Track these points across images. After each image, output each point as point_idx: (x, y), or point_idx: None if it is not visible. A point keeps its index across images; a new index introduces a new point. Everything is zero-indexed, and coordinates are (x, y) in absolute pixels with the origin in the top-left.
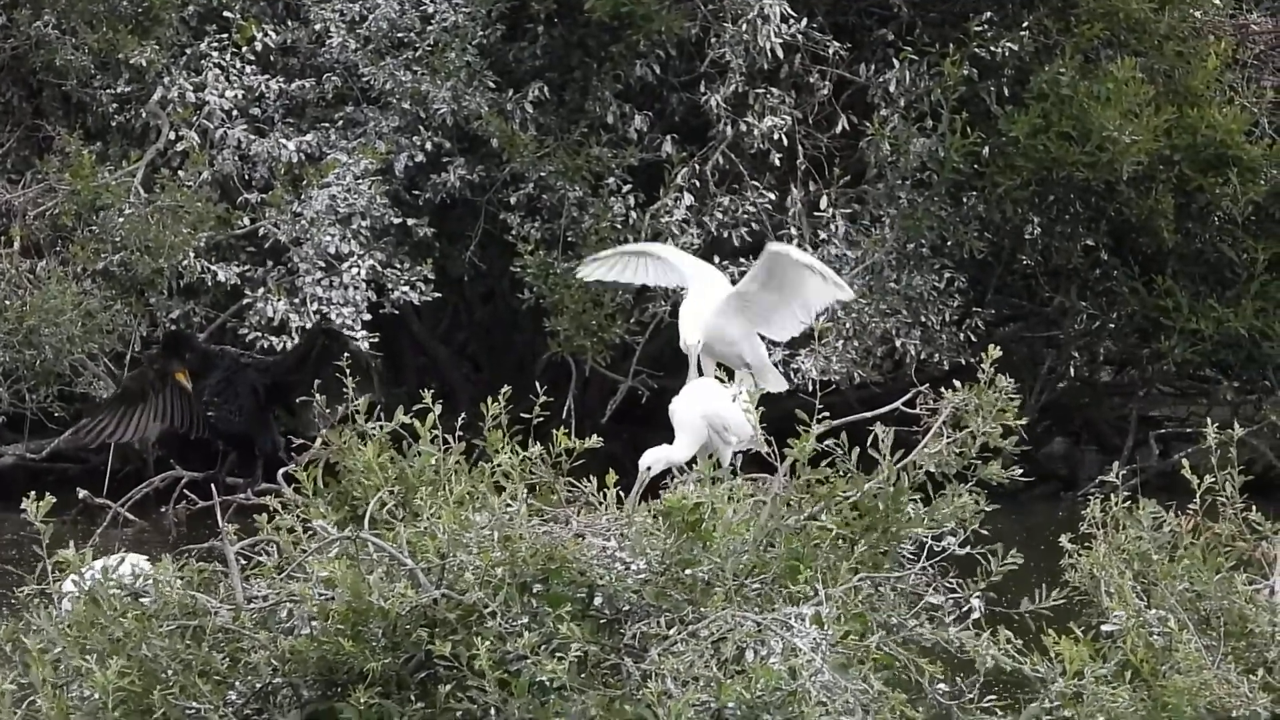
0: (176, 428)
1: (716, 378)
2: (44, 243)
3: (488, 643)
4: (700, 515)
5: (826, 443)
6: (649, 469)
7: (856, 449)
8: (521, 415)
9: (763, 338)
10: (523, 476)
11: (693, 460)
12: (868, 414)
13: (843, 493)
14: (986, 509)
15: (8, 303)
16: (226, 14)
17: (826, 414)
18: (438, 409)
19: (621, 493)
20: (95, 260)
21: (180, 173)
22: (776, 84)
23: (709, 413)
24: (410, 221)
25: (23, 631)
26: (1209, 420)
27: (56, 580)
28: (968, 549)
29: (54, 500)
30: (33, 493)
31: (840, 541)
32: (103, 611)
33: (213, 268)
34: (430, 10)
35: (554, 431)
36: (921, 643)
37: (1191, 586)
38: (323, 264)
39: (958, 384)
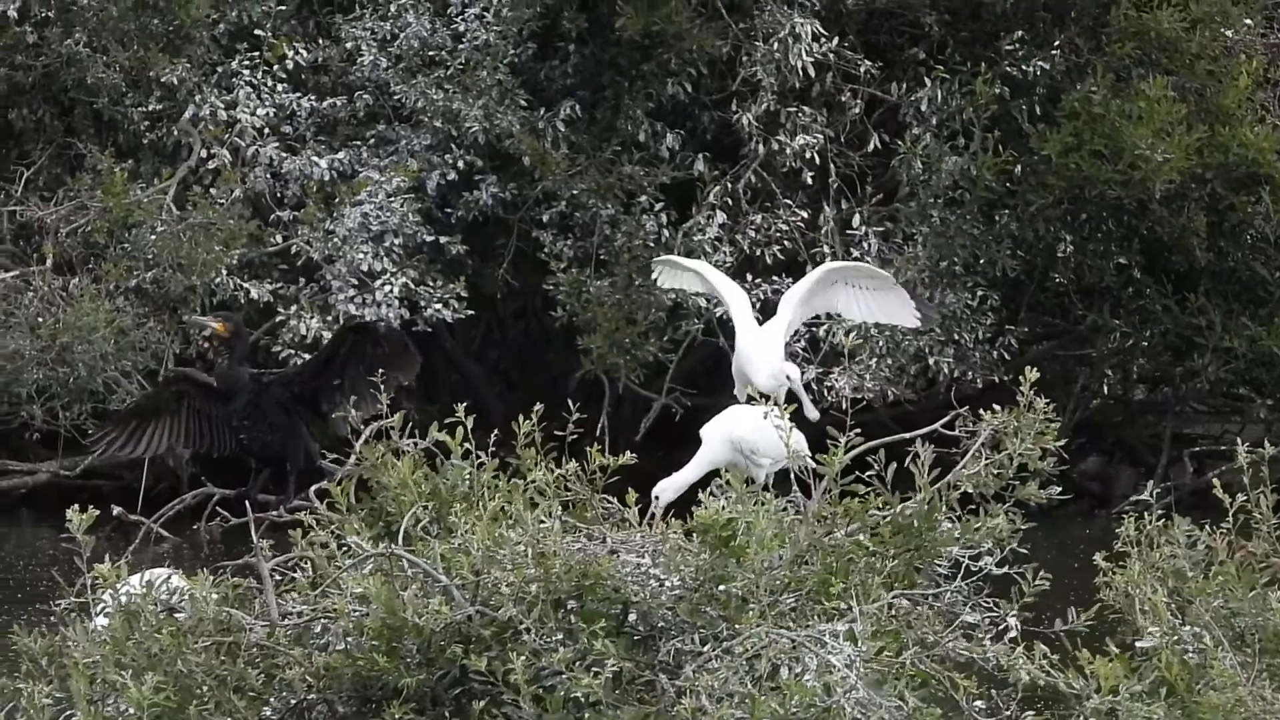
0: (194, 447)
1: (750, 398)
2: (76, 260)
3: (522, 659)
4: (734, 531)
5: (862, 461)
6: (658, 498)
7: (892, 466)
8: (555, 433)
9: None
10: (557, 493)
11: (714, 477)
12: (906, 434)
13: (878, 510)
14: (1022, 528)
15: (41, 320)
16: (258, 32)
17: (859, 431)
18: (469, 423)
19: (640, 510)
20: (128, 278)
21: (212, 190)
22: (808, 102)
23: (735, 437)
24: (443, 239)
25: (60, 646)
26: (1241, 438)
27: (93, 596)
28: (1004, 568)
29: (95, 515)
30: (75, 506)
31: (874, 558)
32: (139, 627)
33: (245, 285)
34: (461, 29)
35: (587, 449)
36: (957, 659)
37: (1226, 604)
38: (355, 281)
39: (996, 406)
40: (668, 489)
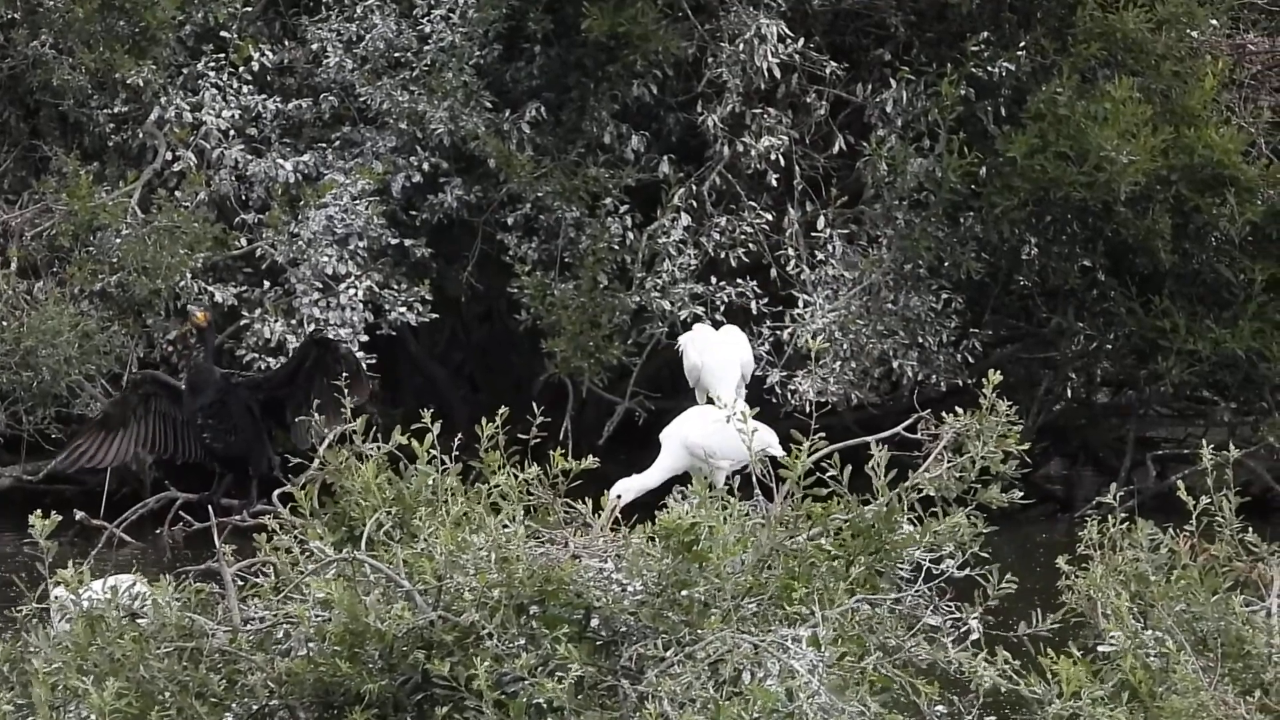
0: (159, 453)
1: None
2: (41, 263)
3: (485, 664)
4: (696, 536)
5: (823, 464)
6: (619, 498)
7: (849, 468)
8: (519, 436)
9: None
10: (520, 498)
11: (675, 482)
12: (868, 437)
13: (838, 513)
14: (984, 530)
15: (5, 324)
16: (224, 34)
17: (823, 435)
18: (436, 429)
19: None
20: (92, 281)
21: (177, 193)
22: (773, 104)
23: (691, 442)
24: (407, 242)
25: (21, 652)
26: (1206, 441)
27: (53, 600)
28: (966, 570)
29: (58, 520)
30: (38, 511)
31: (836, 562)
32: (101, 632)
33: (210, 288)
34: (427, 30)
35: (550, 452)
36: (919, 664)
37: (1189, 608)
38: (320, 285)
39: (959, 409)
40: (629, 489)
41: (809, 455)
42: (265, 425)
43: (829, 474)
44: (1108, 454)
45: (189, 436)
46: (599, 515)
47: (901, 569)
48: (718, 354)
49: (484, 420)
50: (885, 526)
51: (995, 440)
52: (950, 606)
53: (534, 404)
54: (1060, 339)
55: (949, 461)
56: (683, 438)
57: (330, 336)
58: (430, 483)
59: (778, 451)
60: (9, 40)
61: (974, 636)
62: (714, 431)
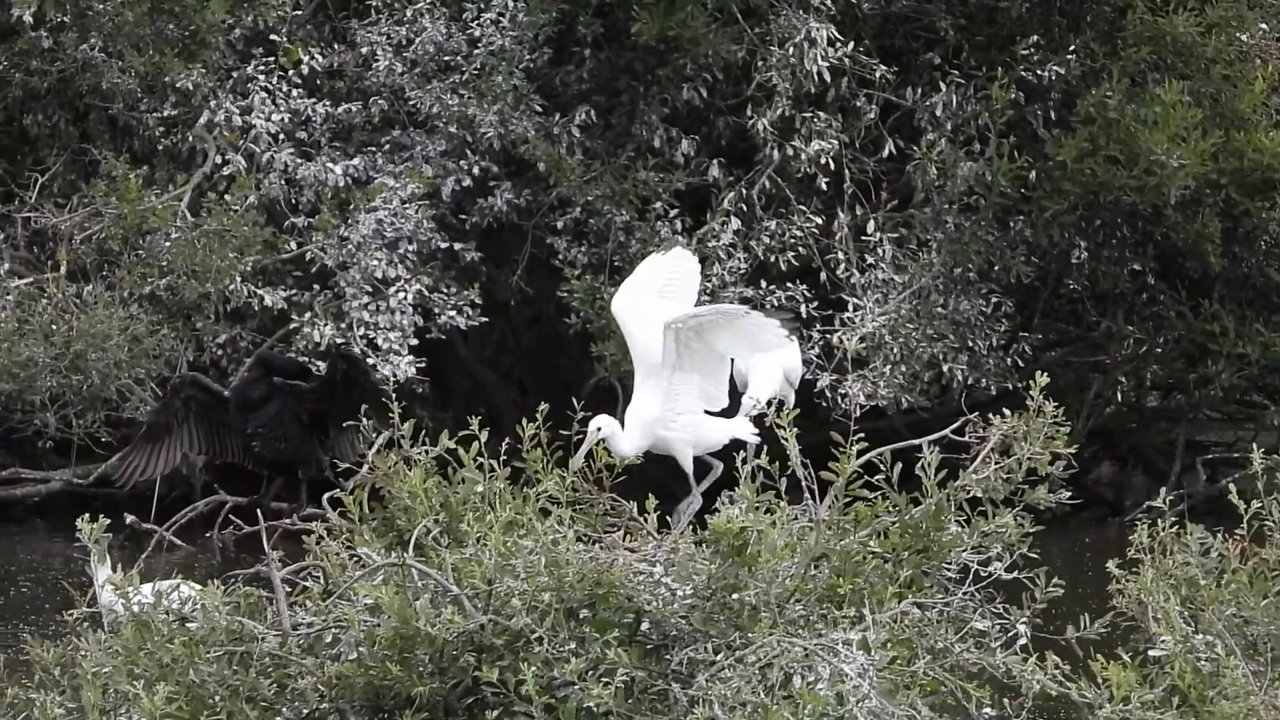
0: (205, 455)
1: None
2: (91, 267)
3: (534, 668)
4: (745, 540)
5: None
6: (599, 430)
7: (898, 466)
8: (566, 435)
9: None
10: (567, 497)
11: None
12: (915, 440)
13: (885, 513)
14: (1031, 531)
15: (54, 327)
16: (273, 37)
17: (861, 436)
18: (484, 435)
19: (667, 517)
20: (142, 284)
21: (227, 196)
22: (823, 108)
23: (663, 436)
24: (457, 246)
25: (72, 656)
26: (1256, 445)
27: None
28: (1015, 573)
29: (108, 524)
30: (87, 515)
31: (884, 564)
32: (151, 637)
33: (259, 292)
34: (477, 34)
35: (594, 450)
36: (968, 667)
37: (1239, 612)
38: (370, 288)
39: (1006, 411)
40: (610, 433)
41: (852, 456)
42: (314, 433)
43: (877, 476)
44: (1158, 458)
45: (233, 438)
46: (646, 518)
47: (949, 571)
48: (760, 357)
49: (525, 422)
50: (933, 526)
51: (1042, 441)
52: (998, 609)
53: (579, 406)
54: (1110, 343)
55: (996, 463)
56: (655, 431)
57: (357, 354)
58: (477, 489)
59: (752, 440)
60: (59, 44)
61: (1022, 640)
62: (690, 423)
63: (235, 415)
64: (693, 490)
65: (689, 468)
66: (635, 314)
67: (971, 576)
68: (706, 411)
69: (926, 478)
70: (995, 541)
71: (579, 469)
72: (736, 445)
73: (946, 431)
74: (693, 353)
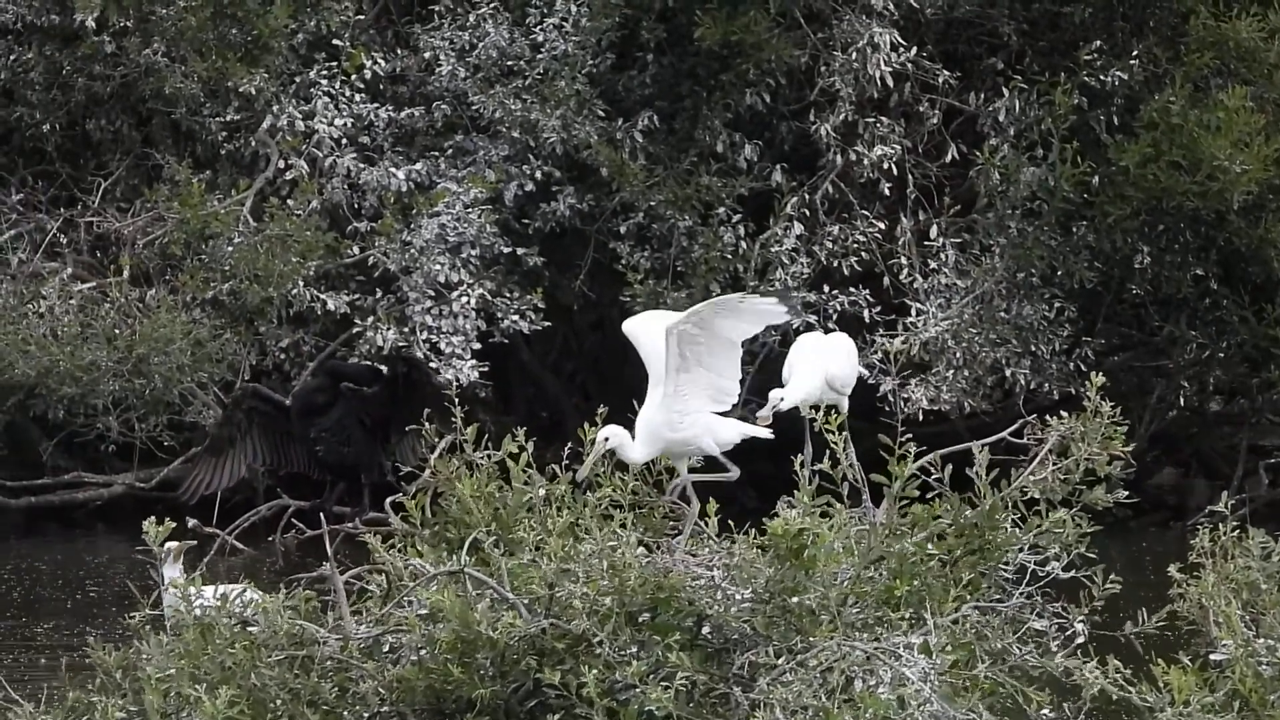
0: (269, 466)
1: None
2: (153, 271)
3: (596, 671)
4: (803, 543)
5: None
6: (606, 440)
7: (948, 468)
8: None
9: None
10: (625, 497)
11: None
12: (973, 443)
13: (942, 515)
14: (1088, 531)
15: (117, 331)
16: (336, 42)
17: (910, 438)
18: (545, 441)
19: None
20: (204, 289)
21: (289, 201)
22: (886, 113)
23: (671, 439)
24: (520, 250)
25: (134, 659)
26: None
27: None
28: (1072, 573)
29: (172, 526)
30: (151, 518)
31: (941, 566)
32: (213, 640)
33: (322, 296)
34: (540, 39)
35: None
36: (1028, 669)
37: None
38: (432, 293)
39: (1064, 413)
40: (617, 437)
41: (911, 460)
42: (377, 438)
43: (933, 477)
44: (1220, 462)
45: (296, 447)
46: (706, 521)
47: (1005, 572)
48: (803, 361)
49: (587, 426)
50: (988, 525)
51: (1100, 442)
52: (1057, 609)
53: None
54: (1172, 347)
55: (1054, 464)
56: (667, 434)
57: (419, 358)
58: (527, 499)
59: (764, 434)
60: (121, 49)
61: (1079, 640)
62: (699, 423)
63: (298, 420)
64: (690, 494)
65: (716, 452)
66: (642, 326)
67: (1029, 577)
68: (717, 413)
69: (979, 479)
70: (1053, 541)
71: (584, 479)
72: (763, 445)
73: (1004, 434)
74: (699, 350)
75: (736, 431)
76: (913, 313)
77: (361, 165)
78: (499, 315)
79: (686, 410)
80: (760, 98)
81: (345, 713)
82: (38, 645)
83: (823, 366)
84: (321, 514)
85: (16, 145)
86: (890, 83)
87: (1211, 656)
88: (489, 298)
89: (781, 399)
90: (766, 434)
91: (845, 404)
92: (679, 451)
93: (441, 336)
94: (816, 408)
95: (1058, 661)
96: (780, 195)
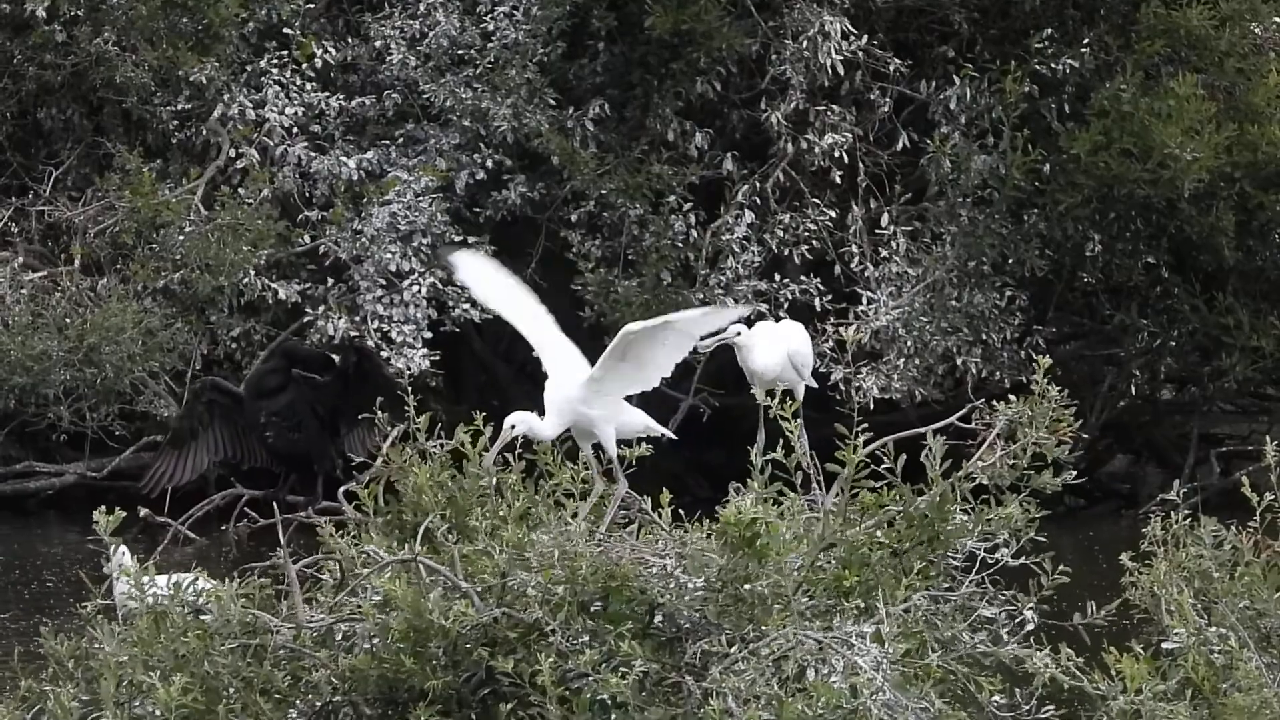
0: (231, 458)
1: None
2: (104, 260)
3: (549, 660)
4: (756, 531)
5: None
6: (514, 427)
7: (902, 458)
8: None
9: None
10: (580, 490)
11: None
12: (921, 429)
13: (892, 504)
14: (1037, 516)
15: (68, 321)
16: (286, 31)
17: (865, 426)
18: (488, 431)
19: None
20: (155, 278)
21: (240, 190)
22: (837, 101)
23: (581, 413)
24: (471, 239)
25: (87, 648)
26: (1269, 438)
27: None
28: (1022, 559)
29: (122, 516)
30: (102, 507)
31: (891, 555)
32: (166, 628)
33: (273, 285)
34: (491, 27)
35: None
36: (979, 657)
37: (1252, 604)
38: (383, 281)
39: (1012, 397)
40: (524, 426)
41: (858, 447)
42: (329, 427)
43: (883, 466)
44: (1171, 451)
45: (252, 441)
46: (660, 512)
47: (955, 559)
48: (765, 338)
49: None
50: (938, 515)
51: (1047, 426)
52: (1006, 597)
53: None
54: (1124, 336)
55: (1002, 449)
56: (578, 408)
57: (371, 347)
58: (482, 484)
59: (658, 431)
60: (72, 37)
61: (1030, 627)
62: (611, 404)
63: (249, 403)
64: (617, 474)
65: (613, 450)
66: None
67: (979, 564)
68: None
69: (930, 466)
70: (1002, 528)
71: (489, 466)
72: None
73: (953, 419)
74: (649, 347)
75: (642, 423)
76: (864, 301)
77: (312, 154)
78: (450, 304)
79: (604, 391)
80: (711, 86)
81: (298, 701)
82: None
83: (784, 343)
84: (275, 503)
85: None
86: (841, 71)
87: (1164, 645)
88: (440, 286)
89: (739, 333)
90: (669, 434)
91: (801, 390)
92: (584, 427)
93: (393, 325)
94: (771, 394)
95: (1009, 649)
96: (731, 184)
